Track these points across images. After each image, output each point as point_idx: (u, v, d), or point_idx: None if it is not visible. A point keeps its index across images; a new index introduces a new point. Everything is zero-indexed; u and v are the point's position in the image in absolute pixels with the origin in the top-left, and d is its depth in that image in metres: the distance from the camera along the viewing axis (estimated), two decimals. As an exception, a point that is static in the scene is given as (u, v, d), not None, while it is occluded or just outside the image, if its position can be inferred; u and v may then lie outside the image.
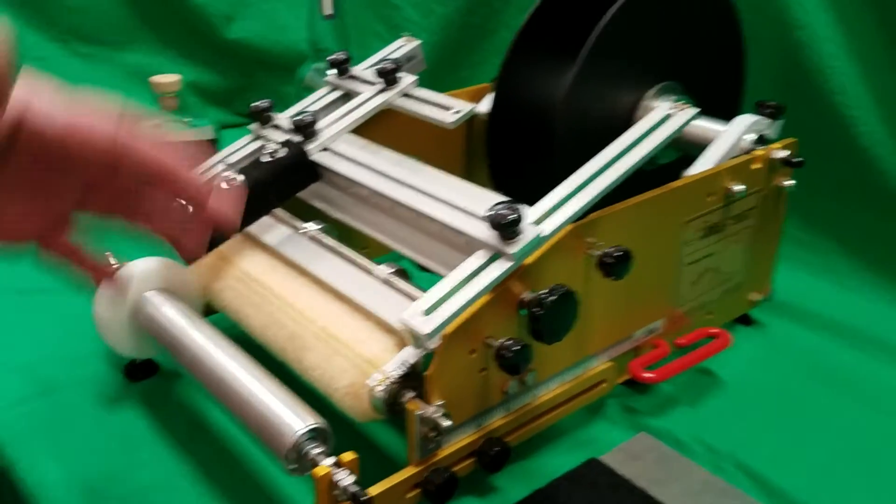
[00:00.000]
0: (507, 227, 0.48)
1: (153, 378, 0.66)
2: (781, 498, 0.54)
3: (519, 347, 0.48)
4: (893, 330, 0.73)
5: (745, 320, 0.74)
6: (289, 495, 0.55)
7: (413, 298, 0.52)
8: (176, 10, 1.22)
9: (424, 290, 0.51)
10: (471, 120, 0.78)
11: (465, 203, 0.53)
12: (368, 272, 0.57)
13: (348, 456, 0.46)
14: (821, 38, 0.81)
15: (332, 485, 0.44)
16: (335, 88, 0.73)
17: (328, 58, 0.73)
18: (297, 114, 0.66)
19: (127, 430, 0.61)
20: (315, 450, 0.46)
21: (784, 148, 0.65)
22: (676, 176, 0.62)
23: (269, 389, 0.50)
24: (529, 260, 0.50)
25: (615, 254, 0.52)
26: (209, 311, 0.64)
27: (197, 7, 1.21)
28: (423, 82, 0.71)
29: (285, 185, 0.63)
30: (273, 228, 0.64)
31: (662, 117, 0.59)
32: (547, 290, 0.49)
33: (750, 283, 0.71)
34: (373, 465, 0.46)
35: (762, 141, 0.65)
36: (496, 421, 0.54)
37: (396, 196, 0.57)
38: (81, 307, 0.64)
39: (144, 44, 1.24)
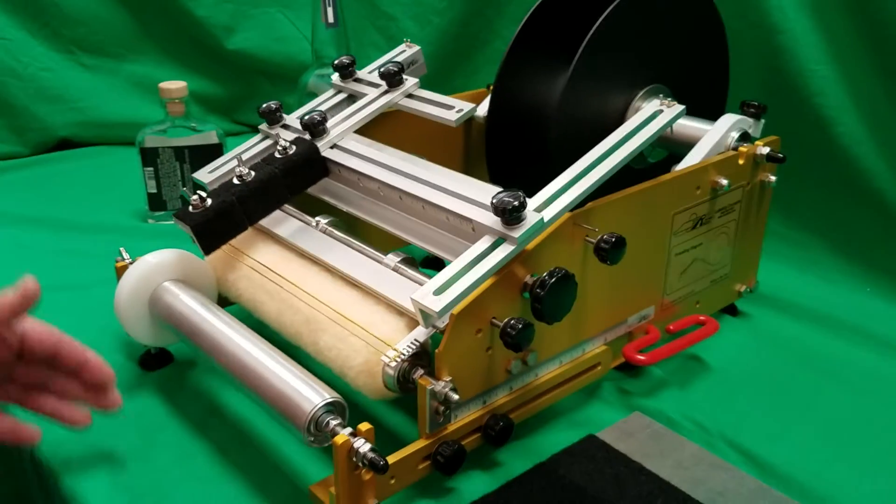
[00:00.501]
0: (510, 213, 0.52)
1: (167, 367, 0.69)
2: (769, 471, 0.58)
3: (522, 325, 0.52)
4: (872, 319, 0.77)
5: (732, 310, 0.78)
6: (301, 472, 0.58)
7: (421, 284, 0.55)
8: (178, 21, 1.26)
9: (431, 277, 0.54)
10: (469, 123, 0.82)
11: (471, 193, 0.57)
12: (378, 261, 0.60)
13: (365, 426, 0.49)
14: (801, 43, 0.85)
15: (352, 451, 0.47)
16: (340, 91, 0.77)
17: (334, 62, 0.77)
18: (306, 113, 0.69)
19: (144, 415, 0.63)
20: (333, 421, 0.49)
21: (766, 145, 0.69)
22: (667, 172, 0.66)
23: (287, 368, 0.53)
24: (531, 245, 0.54)
25: (610, 240, 0.56)
26: (223, 304, 0.67)
27: (199, 19, 1.24)
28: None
29: (297, 179, 0.66)
30: (285, 222, 0.67)
31: (653, 113, 0.63)
32: (547, 273, 0.53)
33: (736, 275, 0.75)
34: (381, 445, 0.48)
35: (746, 138, 0.69)
36: (500, 398, 0.57)
37: (405, 188, 0.60)
38: (95, 303, 0.67)
39: (148, 55, 1.27)
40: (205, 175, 0.72)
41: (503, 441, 0.57)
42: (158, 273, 0.64)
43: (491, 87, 0.78)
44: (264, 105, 0.72)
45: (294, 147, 0.66)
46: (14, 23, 1.20)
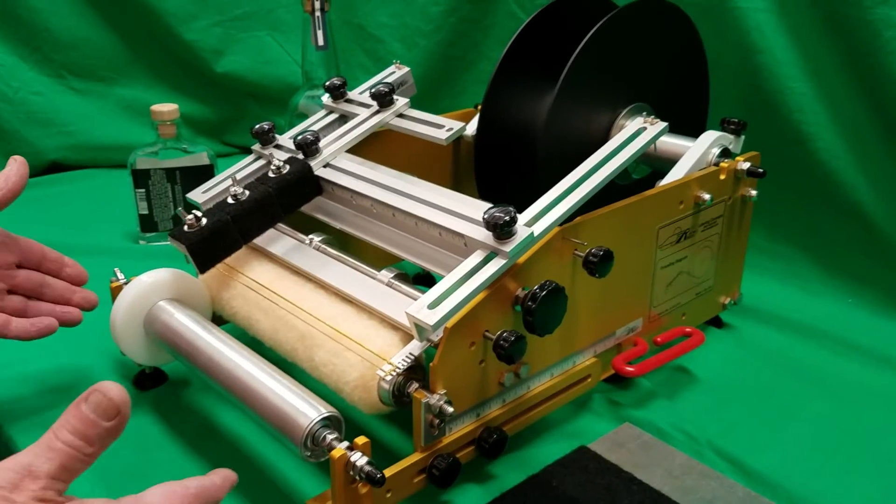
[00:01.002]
0: (502, 228, 0.53)
1: (162, 387, 0.70)
2: (757, 478, 0.59)
3: (515, 338, 0.53)
4: (855, 329, 0.79)
5: (717, 323, 0.80)
6: (298, 488, 0.58)
7: (414, 298, 0.56)
8: (168, 45, 1.27)
9: (424, 292, 0.55)
10: (458, 142, 0.84)
11: (462, 209, 0.58)
12: (372, 277, 0.61)
13: (362, 440, 0.49)
14: (779, 61, 0.87)
15: (349, 465, 0.48)
16: (332, 111, 0.78)
17: (325, 83, 0.78)
18: (299, 133, 0.71)
19: (140, 434, 0.64)
20: (330, 435, 0.50)
21: (747, 160, 0.71)
22: (650, 188, 0.67)
23: (283, 384, 0.54)
24: (522, 259, 0.55)
25: (598, 253, 0.57)
26: (219, 323, 0.68)
27: (189, 42, 1.26)
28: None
29: (291, 198, 0.67)
30: (278, 240, 0.68)
31: (637, 130, 0.65)
32: (538, 286, 0.54)
33: (720, 287, 0.77)
34: (376, 460, 0.49)
35: (727, 154, 0.71)
36: (494, 411, 0.58)
37: (398, 205, 0.61)
38: (89, 323, 0.67)
39: (138, 78, 1.28)
40: (198, 195, 0.73)
41: (497, 453, 0.58)
42: (154, 292, 0.64)
43: (479, 107, 0.79)
44: (257, 126, 0.74)
45: (288, 166, 0.67)
46: (5, 47, 1.21)
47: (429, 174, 0.71)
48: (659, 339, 0.69)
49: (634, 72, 0.75)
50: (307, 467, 0.60)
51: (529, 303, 0.54)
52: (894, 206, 0.83)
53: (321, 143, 0.70)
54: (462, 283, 0.53)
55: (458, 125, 0.69)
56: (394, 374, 0.52)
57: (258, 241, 0.67)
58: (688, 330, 0.71)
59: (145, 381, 0.69)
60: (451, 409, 0.52)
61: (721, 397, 0.69)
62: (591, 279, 0.59)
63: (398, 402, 0.54)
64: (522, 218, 0.56)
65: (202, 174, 0.93)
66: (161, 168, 0.94)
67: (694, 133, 0.72)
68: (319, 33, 0.97)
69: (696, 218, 0.69)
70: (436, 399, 0.52)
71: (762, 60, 0.88)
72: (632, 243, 0.64)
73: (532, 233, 0.54)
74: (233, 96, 1.31)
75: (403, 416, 0.55)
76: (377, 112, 0.74)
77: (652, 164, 0.76)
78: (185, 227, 0.62)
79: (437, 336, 0.53)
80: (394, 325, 0.56)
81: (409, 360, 0.53)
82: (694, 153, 0.70)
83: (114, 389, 0.40)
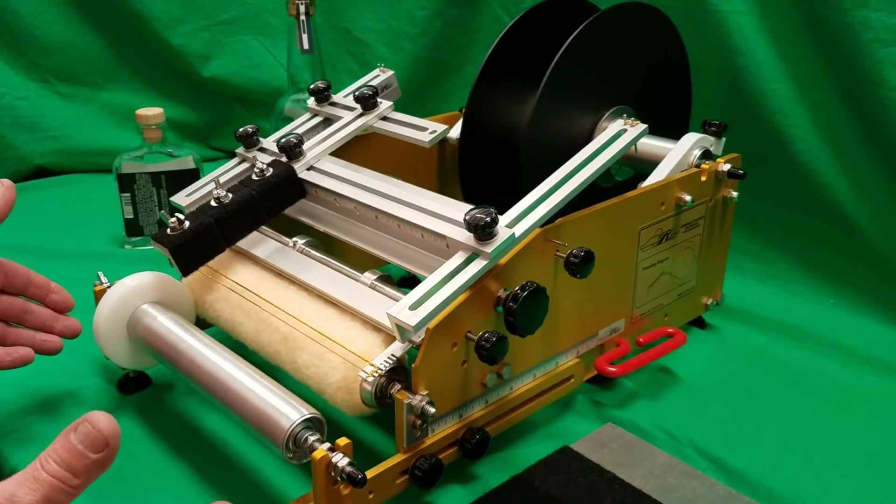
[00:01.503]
0: (483, 229, 0.53)
1: (146, 391, 0.70)
2: (738, 477, 0.59)
3: (496, 338, 0.53)
4: (836, 330, 0.80)
5: (699, 323, 0.80)
6: (280, 490, 0.58)
7: (397, 300, 0.56)
8: (154, 49, 1.27)
9: (406, 294, 0.55)
10: (443, 145, 0.84)
11: (444, 211, 0.58)
12: (355, 279, 0.61)
13: (343, 441, 0.50)
14: (760, 64, 0.88)
15: (330, 466, 0.48)
16: (316, 115, 0.79)
17: (310, 86, 0.78)
18: (283, 136, 0.71)
19: (123, 438, 0.61)
20: (312, 437, 0.50)
21: (727, 162, 0.72)
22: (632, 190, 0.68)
23: (265, 385, 0.54)
24: (503, 260, 0.55)
25: (580, 254, 0.58)
26: (202, 326, 0.68)
27: (175, 47, 1.26)
28: (394, 114, 0.76)
29: (274, 201, 0.67)
30: (262, 243, 0.68)
31: (617, 132, 0.65)
32: (520, 287, 0.54)
33: (702, 288, 0.77)
34: (359, 461, 0.49)
35: (708, 156, 0.72)
36: (476, 412, 0.58)
37: (381, 207, 0.62)
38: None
39: (124, 83, 1.29)
40: (182, 199, 0.73)
41: (480, 454, 0.58)
42: (137, 296, 0.64)
43: (463, 110, 0.80)
44: (241, 129, 0.74)
45: (271, 169, 0.67)
46: (-10, 53, 1.21)
47: (414, 177, 0.71)
48: (641, 340, 0.69)
49: (617, 74, 0.75)
50: (290, 469, 0.60)
51: (511, 303, 0.54)
52: (874, 207, 0.84)
53: (305, 146, 0.71)
54: (444, 284, 0.53)
55: (441, 128, 0.70)
56: (376, 375, 0.53)
57: (242, 243, 0.67)
58: (670, 330, 0.71)
59: (129, 384, 0.69)
60: (433, 410, 0.52)
61: (703, 397, 0.69)
62: (572, 280, 0.59)
63: (381, 403, 0.54)
64: (504, 219, 0.56)
65: (188, 178, 0.93)
66: (146, 172, 0.94)
67: (677, 135, 0.73)
68: (304, 37, 0.97)
69: (677, 219, 0.70)
70: (418, 400, 0.52)
71: (743, 63, 0.89)
72: (613, 244, 0.65)
73: (513, 234, 0.55)
74: (219, 100, 1.31)
75: (386, 417, 0.55)
76: (361, 115, 0.74)
77: (634, 166, 0.76)
78: (168, 231, 0.62)
79: (419, 337, 0.53)
80: (376, 327, 0.57)
81: (391, 362, 0.53)
82: (675, 155, 0.70)
83: (103, 420, 0.39)
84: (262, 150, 0.74)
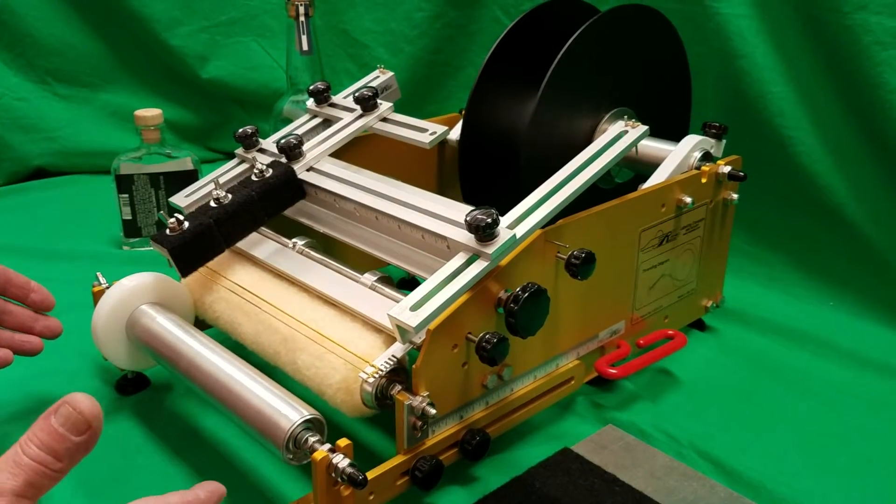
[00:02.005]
0: (484, 230, 0.53)
1: (144, 392, 0.69)
2: (738, 479, 0.59)
3: (497, 340, 0.53)
4: (835, 332, 0.80)
5: (700, 325, 0.80)
6: (280, 491, 0.58)
7: (397, 301, 0.56)
8: (153, 51, 1.27)
9: (407, 295, 0.55)
10: (443, 146, 0.84)
11: (445, 212, 0.58)
12: (355, 280, 0.61)
13: (344, 442, 0.49)
14: (760, 66, 0.88)
15: (330, 467, 0.48)
16: (315, 116, 0.78)
17: (309, 87, 0.78)
18: (283, 137, 0.71)
19: (122, 439, 0.63)
20: (312, 437, 0.50)
21: (728, 164, 0.72)
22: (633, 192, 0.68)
23: (265, 386, 0.54)
24: (504, 261, 0.55)
25: (580, 255, 0.57)
26: (201, 327, 0.68)
27: (174, 48, 1.25)
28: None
29: (274, 202, 0.67)
30: (262, 244, 0.68)
31: (618, 134, 0.65)
32: (520, 288, 0.54)
33: (702, 290, 0.77)
34: (359, 463, 0.49)
35: (708, 158, 0.72)
36: (477, 413, 0.58)
37: (381, 208, 0.61)
38: (71, 328, 0.67)
39: (123, 84, 1.28)
40: (181, 199, 0.72)
41: (480, 455, 0.58)
42: (135, 296, 0.64)
43: (463, 112, 0.80)
44: (240, 130, 0.74)
45: (271, 170, 0.67)
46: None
47: (414, 178, 0.71)
48: (641, 342, 0.69)
49: (617, 77, 0.75)
50: (290, 470, 0.59)
51: (512, 305, 0.54)
52: (874, 209, 0.84)
53: (305, 147, 0.70)
54: (444, 286, 0.53)
55: (441, 129, 0.70)
56: (376, 376, 0.53)
57: (241, 244, 0.67)
58: (670, 332, 0.71)
59: (127, 385, 0.69)
60: (433, 412, 0.52)
61: (703, 399, 0.69)
62: (573, 281, 0.59)
63: (381, 404, 0.54)
64: (505, 220, 0.56)
65: (186, 179, 0.93)
66: (145, 173, 0.94)
67: (676, 137, 0.73)
68: (304, 38, 0.97)
69: (677, 221, 0.70)
70: (418, 401, 0.52)
71: (743, 65, 0.89)
72: (614, 246, 0.65)
73: (514, 235, 0.55)
74: (218, 102, 1.31)
75: (386, 418, 0.55)
76: (360, 116, 0.74)
77: (634, 168, 0.76)
78: (168, 231, 0.62)
79: (419, 338, 0.53)
80: (377, 328, 0.56)
81: (391, 363, 0.53)
82: (676, 157, 0.70)
83: (84, 402, 0.37)
84: (262, 150, 0.74)
